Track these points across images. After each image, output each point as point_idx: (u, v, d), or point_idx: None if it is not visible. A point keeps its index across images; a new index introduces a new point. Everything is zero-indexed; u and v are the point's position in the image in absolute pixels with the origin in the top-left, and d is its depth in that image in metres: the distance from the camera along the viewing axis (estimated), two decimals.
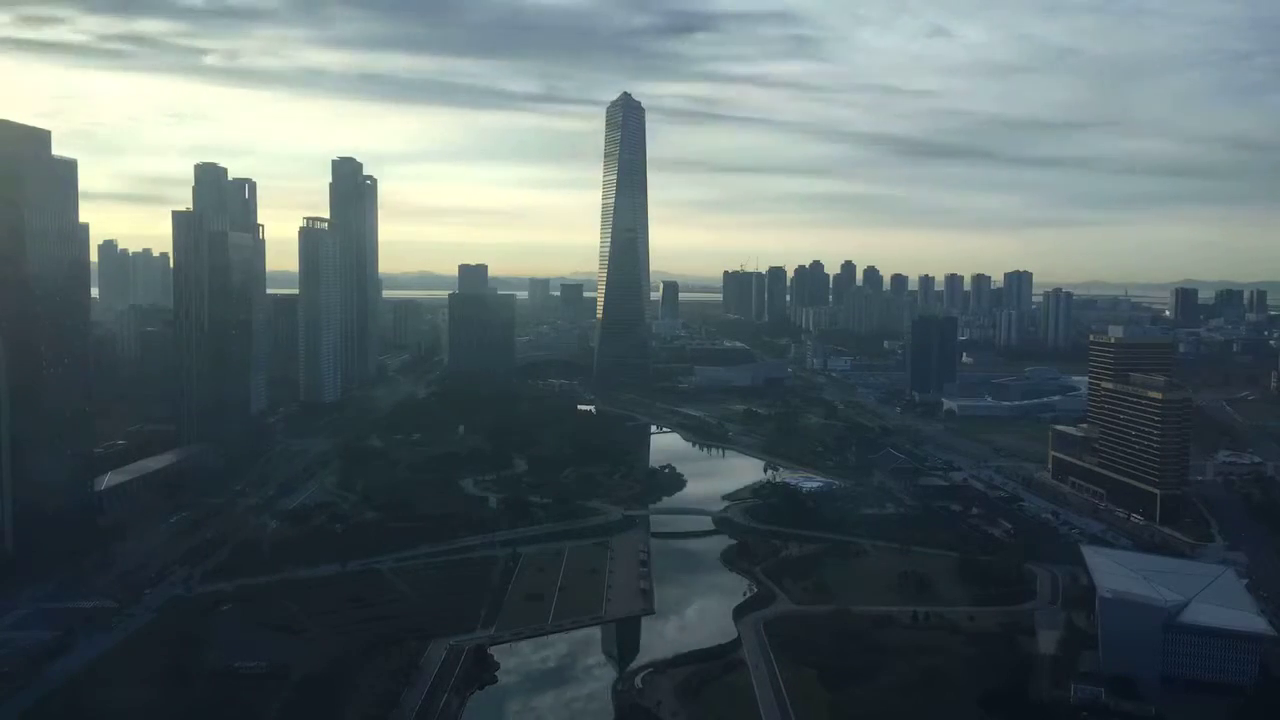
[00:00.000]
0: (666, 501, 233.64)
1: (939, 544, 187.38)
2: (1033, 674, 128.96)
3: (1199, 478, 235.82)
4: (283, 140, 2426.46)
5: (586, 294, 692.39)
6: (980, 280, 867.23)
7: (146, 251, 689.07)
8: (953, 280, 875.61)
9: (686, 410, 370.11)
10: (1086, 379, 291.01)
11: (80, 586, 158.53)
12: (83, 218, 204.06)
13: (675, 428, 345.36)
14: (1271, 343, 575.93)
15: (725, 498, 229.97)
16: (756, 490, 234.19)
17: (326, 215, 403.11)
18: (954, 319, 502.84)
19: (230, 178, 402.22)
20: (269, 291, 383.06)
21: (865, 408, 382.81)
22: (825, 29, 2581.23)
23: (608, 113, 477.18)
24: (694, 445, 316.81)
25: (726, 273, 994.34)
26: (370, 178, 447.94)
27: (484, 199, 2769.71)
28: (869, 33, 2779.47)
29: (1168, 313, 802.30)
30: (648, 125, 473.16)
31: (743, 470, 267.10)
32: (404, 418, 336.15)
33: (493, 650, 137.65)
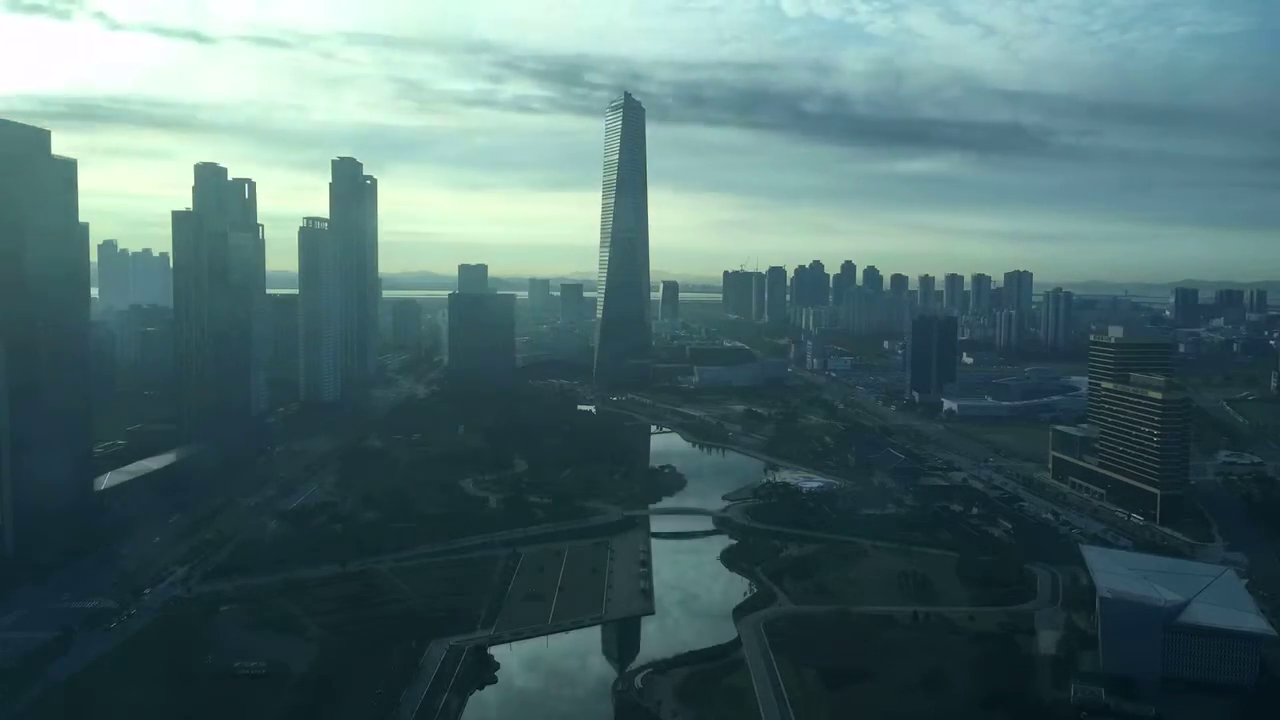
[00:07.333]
0: (667, 501, 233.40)
1: (939, 544, 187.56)
2: (1033, 674, 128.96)
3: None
4: (283, 139, 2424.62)
5: (586, 294, 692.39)
6: (980, 280, 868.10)
7: (146, 251, 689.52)
8: (953, 280, 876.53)
9: (686, 410, 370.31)
10: (1086, 379, 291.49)
11: (80, 586, 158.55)
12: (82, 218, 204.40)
13: (675, 428, 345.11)
14: (1271, 343, 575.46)
15: (725, 498, 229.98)
16: (757, 490, 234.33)
17: (326, 215, 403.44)
18: (954, 319, 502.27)
19: (230, 178, 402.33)
20: (269, 291, 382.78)
21: (865, 408, 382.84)
22: None
23: (607, 113, 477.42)
24: (694, 445, 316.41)
25: (726, 273, 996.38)
26: (370, 178, 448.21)
27: (484, 199, 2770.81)
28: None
29: (1168, 313, 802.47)
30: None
31: (743, 470, 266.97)
32: (404, 418, 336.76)
33: (493, 650, 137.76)
